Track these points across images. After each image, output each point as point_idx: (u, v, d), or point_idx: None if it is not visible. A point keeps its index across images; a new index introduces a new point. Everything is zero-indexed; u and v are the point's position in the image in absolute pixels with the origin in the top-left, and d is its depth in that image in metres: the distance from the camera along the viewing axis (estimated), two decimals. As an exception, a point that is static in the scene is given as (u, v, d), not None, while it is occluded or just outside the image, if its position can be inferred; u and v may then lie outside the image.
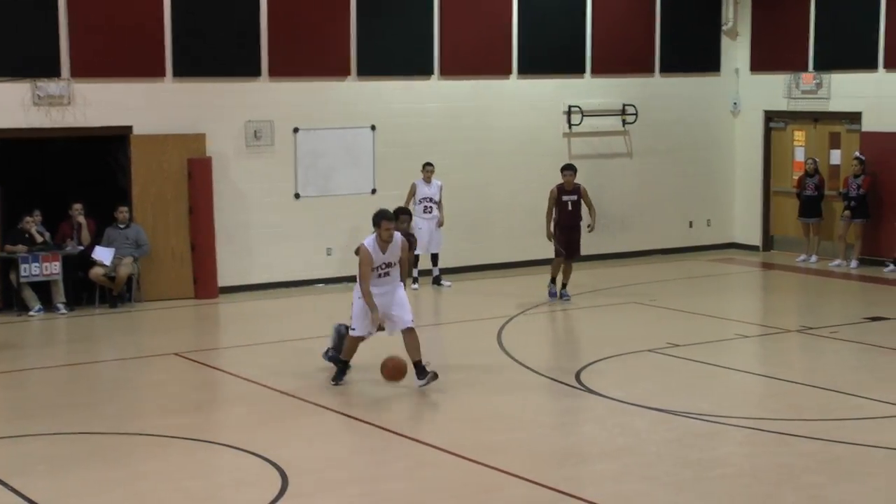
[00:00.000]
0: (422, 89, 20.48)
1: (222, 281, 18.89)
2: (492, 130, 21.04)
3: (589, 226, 18.12)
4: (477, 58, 20.79)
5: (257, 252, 19.28)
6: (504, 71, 21.12)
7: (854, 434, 10.96)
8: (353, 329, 12.85)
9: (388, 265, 12.82)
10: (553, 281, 18.21)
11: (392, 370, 12.66)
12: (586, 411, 12.27)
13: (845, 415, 11.71)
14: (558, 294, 18.09)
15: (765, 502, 9.38)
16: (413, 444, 11.03)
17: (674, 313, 17.02)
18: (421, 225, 19.12)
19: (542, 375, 13.54)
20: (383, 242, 12.72)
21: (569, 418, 11.96)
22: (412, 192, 19.28)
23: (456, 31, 20.53)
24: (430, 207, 19.31)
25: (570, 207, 17.95)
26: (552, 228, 17.95)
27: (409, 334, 12.81)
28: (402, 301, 12.85)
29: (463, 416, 12.06)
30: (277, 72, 19.25)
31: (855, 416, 11.63)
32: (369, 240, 12.79)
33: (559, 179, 21.64)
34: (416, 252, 19.31)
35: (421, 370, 12.76)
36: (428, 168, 19.32)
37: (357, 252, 12.83)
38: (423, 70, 20.44)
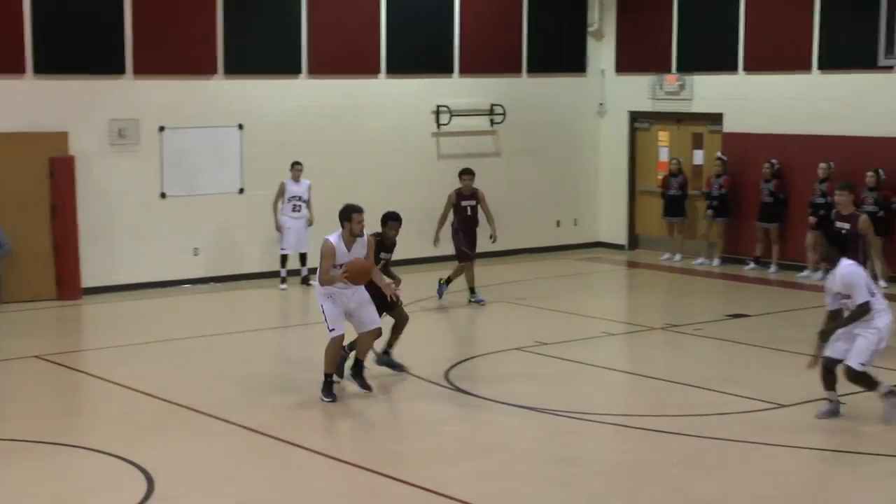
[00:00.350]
0: (290, 88, 20.32)
1: (86, 282, 18.51)
2: (360, 130, 20.97)
3: (491, 236, 17.93)
4: (346, 57, 20.70)
5: (122, 252, 18.94)
6: (373, 70, 21.06)
7: (715, 429, 11.15)
8: (332, 329, 12.28)
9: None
10: (449, 281, 17.93)
11: (356, 272, 12.17)
12: (455, 410, 12.27)
13: (707, 410, 11.89)
14: (469, 298, 17.71)
15: (630, 497, 9.51)
16: (284, 445, 10.91)
17: (541, 312, 17.15)
18: (290, 224, 19.00)
19: (411, 375, 13.52)
20: (351, 238, 12.32)
21: (437, 417, 11.94)
22: (281, 191, 19.10)
23: (324, 30, 20.41)
24: (299, 206, 19.15)
25: (468, 212, 17.75)
26: (453, 234, 17.78)
27: (373, 335, 12.60)
28: (368, 300, 12.44)
29: (330, 416, 11.99)
30: (143, 69, 18.93)
31: (716, 412, 11.82)
32: (335, 235, 12.37)
33: (429, 178, 21.76)
34: (299, 252, 19.25)
35: (359, 371, 12.62)
36: (297, 167, 19.17)
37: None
38: (292, 69, 20.29)
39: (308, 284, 19.21)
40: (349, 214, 12.45)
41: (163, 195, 19.31)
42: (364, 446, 10.84)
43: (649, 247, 23.08)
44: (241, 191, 19.84)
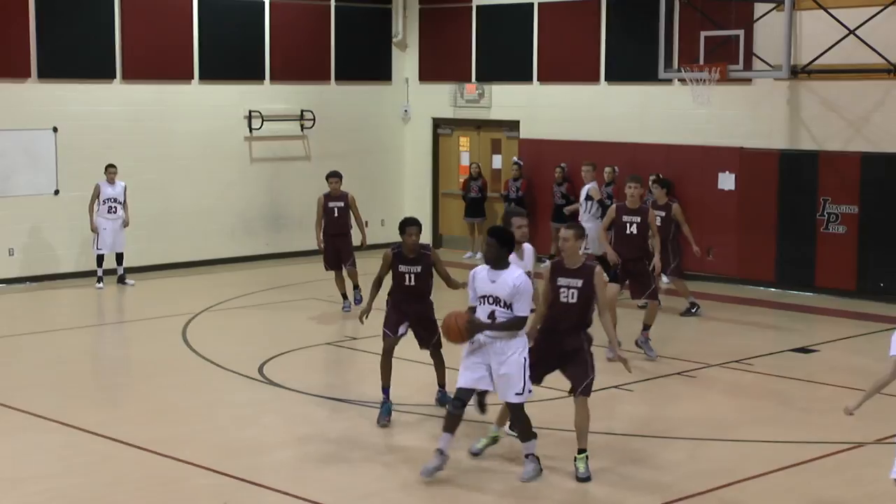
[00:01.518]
0: (104, 92, 19.88)
1: None
2: (174, 134, 20.65)
3: (361, 242, 17.15)
4: (159, 63, 20.37)
5: (-66, 253, 18.27)
6: (186, 76, 20.76)
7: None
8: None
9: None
10: (345, 296, 16.94)
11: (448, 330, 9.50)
12: (268, 402, 12.23)
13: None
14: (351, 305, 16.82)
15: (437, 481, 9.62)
16: (96, 438, 10.71)
17: (355, 308, 17.19)
18: (105, 225, 18.59)
19: (226, 369, 13.41)
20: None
21: (251, 410, 11.87)
22: (96, 194, 18.64)
23: (138, 35, 20.03)
24: (115, 208, 18.74)
25: (336, 214, 16.81)
26: (320, 236, 16.83)
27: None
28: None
29: (147, 411, 11.81)
30: (-46, 72, 18.30)
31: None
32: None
33: (241, 181, 21.55)
34: (115, 252, 18.78)
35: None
36: (111, 170, 18.73)
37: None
38: (106, 73, 19.85)
39: (123, 283, 18.84)
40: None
41: (-25, 197, 18.70)
42: (177, 439, 10.67)
43: (452, 246, 23.34)
44: (57, 192, 19.32)
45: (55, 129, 19.35)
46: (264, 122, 21.58)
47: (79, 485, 9.54)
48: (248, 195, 21.66)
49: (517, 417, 9.54)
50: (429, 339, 11.31)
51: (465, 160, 23.13)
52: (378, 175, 23.60)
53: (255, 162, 21.74)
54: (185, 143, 20.76)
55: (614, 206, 14.66)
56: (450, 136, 23.60)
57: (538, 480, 9.53)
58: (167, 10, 20.42)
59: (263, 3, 21.54)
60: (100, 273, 18.60)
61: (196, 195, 20.94)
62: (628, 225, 14.07)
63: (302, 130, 22.31)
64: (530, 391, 9.42)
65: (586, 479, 9.51)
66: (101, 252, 18.68)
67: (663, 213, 16.02)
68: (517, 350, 9.37)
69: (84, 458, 10.25)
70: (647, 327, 14.05)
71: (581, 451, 9.63)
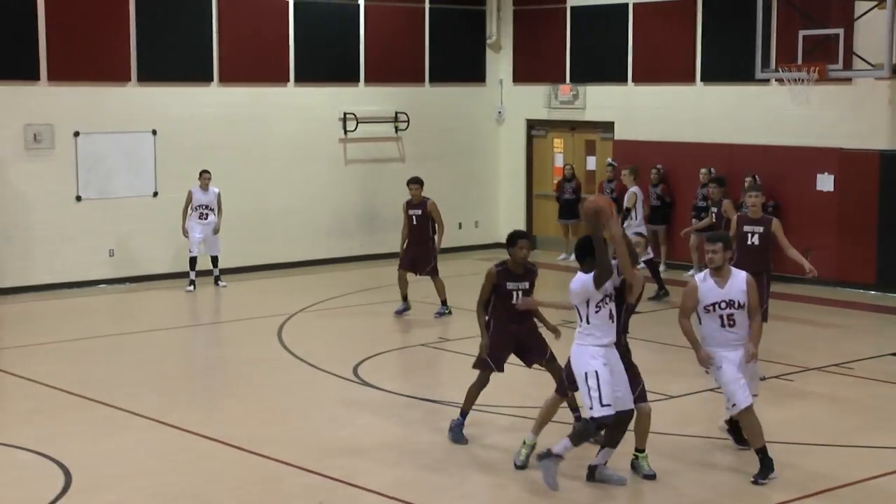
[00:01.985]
0: (202, 95, 20.14)
1: (3, 282, 18.19)
2: (270, 136, 20.84)
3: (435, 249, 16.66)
4: (255, 66, 20.58)
5: (39, 253, 18.62)
6: (281, 79, 20.96)
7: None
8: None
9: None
10: (405, 298, 16.72)
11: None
12: (363, 403, 12.26)
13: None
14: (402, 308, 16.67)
15: (522, 483, 9.57)
16: (195, 437, 10.83)
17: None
18: (197, 230, 18.74)
19: (321, 370, 13.49)
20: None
21: (346, 410, 11.92)
22: (189, 200, 18.81)
23: (234, 39, 20.26)
24: (206, 214, 18.84)
25: (414, 222, 16.45)
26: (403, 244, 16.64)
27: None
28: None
29: (243, 411, 11.92)
30: (57, 76, 18.63)
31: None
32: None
33: (337, 182, 21.72)
34: (210, 255, 18.93)
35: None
36: (205, 176, 18.88)
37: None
38: (203, 76, 20.11)
39: (218, 285, 19.04)
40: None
41: (78, 198, 19.02)
42: (273, 439, 10.76)
43: (546, 247, 23.24)
44: (155, 194, 19.61)
45: (154, 132, 19.65)
46: (359, 124, 21.69)
47: (177, 482, 9.65)
48: (343, 196, 21.79)
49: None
50: (541, 355, 10.61)
51: (559, 161, 23.03)
52: (472, 177, 23.60)
53: (350, 163, 21.87)
54: (281, 146, 20.94)
55: (736, 216, 13.91)
56: (544, 137, 23.52)
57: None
58: (263, 14, 20.62)
59: (358, 5, 21.65)
60: (192, 276, 18.77)
61: (291, 197, 21.11)
62: (749, 236, 13.31)
63: (396, 132, 22.38)
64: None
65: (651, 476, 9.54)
66: (193, 255, 18.88)
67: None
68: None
69: (183, 456, 10.36)
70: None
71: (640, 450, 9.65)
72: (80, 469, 9.75)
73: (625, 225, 17.76)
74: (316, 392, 12.75)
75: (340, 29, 21.54)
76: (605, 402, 9.09)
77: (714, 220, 16.64)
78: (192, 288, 18.62)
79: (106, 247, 19.28)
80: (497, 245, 23.88)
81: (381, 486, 9.43)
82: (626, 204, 18.16)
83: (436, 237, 16.56)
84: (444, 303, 16.62)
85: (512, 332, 10.53)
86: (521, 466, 9.81)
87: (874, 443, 10.65)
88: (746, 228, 13.31)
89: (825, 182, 18.82)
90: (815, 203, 18.95)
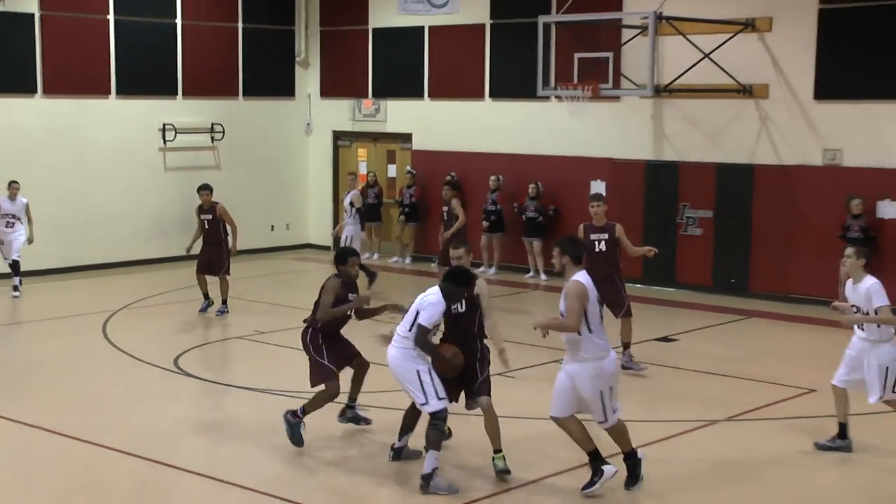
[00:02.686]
0: (24, 106, 19.56)
1: None
2: (93, 145, 20.38)
3: (232, 249, 16.48)
4: (77, 79, 20.11)
5: None
6: (103, 91, 20.53)
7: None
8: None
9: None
10: (206, 296, 16.51)
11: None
12: (183, 392, 12.20)
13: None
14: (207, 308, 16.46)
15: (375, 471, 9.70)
16: (19, 426, 10.59)
17: (259, 305, 17.17)
18: (2, 238, 17.79)
19: (144, 361, 13.34)
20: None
21: (167, 399, 11.83)
22: None
23: (57, 54, 19.75)
24: (12, 223, 17.73)
25: (206, 226, 16.34)
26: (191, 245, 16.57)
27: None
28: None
29: (67, 400, 11.69)
30: None
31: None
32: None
33: (157, 189, 21.40)
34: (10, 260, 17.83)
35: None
36: (13, 185, 17.84)
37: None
38: (26, 88, 19.54)
39: (14, 293, 17.91)
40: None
41: None
42: (97, 426, 10.60)
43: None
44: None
45: (-21, 141, 19.02)
46: (177, 134, 21.42)
47: (3, 471, 9.47)
48: (163, 202, 21.47)
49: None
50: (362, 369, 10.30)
51: (363, 169, 23.19)
52: (284, 183, 23.58)
53: (169, 171, 21.57)
54: (103, 154, 20.48)
55: (581, 225, 12.99)
56: (349, 147, 23.65)
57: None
58: (85, 30, 20.16)
59: (176, 24, 21.38)
60: (15, 282, 17.78)
61: (112, 201, 20.70)
62: (596, 243, 12.66)
63: (213, 142, 22.18)
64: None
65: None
66: (9, 260, 17.93)
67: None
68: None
69: (7, 447, 10.16)
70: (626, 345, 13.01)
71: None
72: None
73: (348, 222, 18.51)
74: (138, 382, 12.59)
75: (159, 45, 21.23)
76: (440, 396, 8.93)
77: (446, 219, 16.95)
78: (17, 293, 17.70)
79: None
80: (307, 246, 23.95)
81: (201, 468, 9.43)
82: (355, 203, 18.61)
83: (229, 239, 16.40)
84: (224, 302, 16.30)
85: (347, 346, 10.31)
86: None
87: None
88: (593, 237, 12.62)
89: (598, 187, 19.47)
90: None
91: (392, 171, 22.94)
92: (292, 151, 23.75)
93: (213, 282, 16.48)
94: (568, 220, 19.21)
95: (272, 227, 23.45)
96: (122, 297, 17.68)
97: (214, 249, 16.37)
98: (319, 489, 9.16)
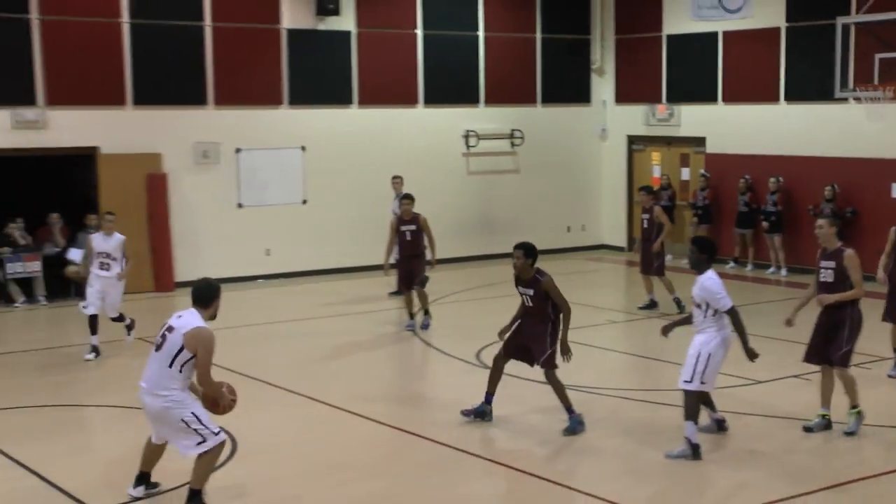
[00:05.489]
0: (343, 116, 20.52)
1: (178, 276, 18.76)
2: (401, 151, 21.10)
3: (431, 262, 15.20)
4: (388, 90, 20.89)
5: (206, 252, 19.16)
6: (411, 101, 21.23)
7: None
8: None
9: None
10: (412, 316, 15.28)
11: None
12: (481, 385, 12.36)
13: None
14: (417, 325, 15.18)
15: (629, 457, 9.61)
16: (336, 411, 11.06)
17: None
18: (96, 284, 13.93)
19: (448, 354, 13.62)
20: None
21: (467, 390, 12.04)
22: (89, 246, 14.03)
23: (370, 67, 20.59)
24: (108, 264, 13.82)
25: (408, 237, 15.08)
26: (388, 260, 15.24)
27: None
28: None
29: (374, 390, 12.09)
30: (222, 101, 19.18)
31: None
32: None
33: (460, 191, 21.86)
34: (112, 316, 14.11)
35: None
36: (108, 219, 14.10)
37: None
38: (344, 100, 20.48)
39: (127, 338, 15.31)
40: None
41: (239, 205, 19.54)
42: (405, 414, 10.94)
43: (643, 248, 23.12)
44: (304, 202, 20.04)
45: (303, 148, 20.08)
46: (479, 141, 21.88)
47: (321, 449, 9.90)
48: (465, 204, 21.98)
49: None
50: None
51: (656, 172, 22.91)
52: (579, 186, 23.61)
53: (471, 175, 22.05)
54: (411, 159, 21.12)
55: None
56: (643, 151, 23.41)
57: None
58: (396, 46, 20.92)
59: (478, 36, 21.83)
60: (93, 341, 13.82)
61: (420, 204, 21.21)
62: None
63: (512, 147, 22.50)
64: (702, 382, 9.37)
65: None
66: (90, 313, 13.95)
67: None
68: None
69: (327, 428, 10.64)
70: None
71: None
72: (243, 437, 10.04)
73: None
74: (442, 374, 12.90)
75: (462, 57, 21.73)
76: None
77: (646, 226, 16.44)
78: (92, 356, 13.66)
79: (263, 247, 19.76)
80: (602, 246, 23.88)
81: (498, 455, 9.52)
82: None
83: (427, 251, 15.09)
84: (426, 312, 15.29)
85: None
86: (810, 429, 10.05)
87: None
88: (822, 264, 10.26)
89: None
90: (891, 208, 18.53)
91: (685, 174, 22.52)
92: (587, 155, 23.74)
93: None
94: (865, 222, 18.25)
95: (568, 228, 23.53)
96: (428, 292, 18.14)
97: (415, 262, 15.08)
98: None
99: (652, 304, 16.50)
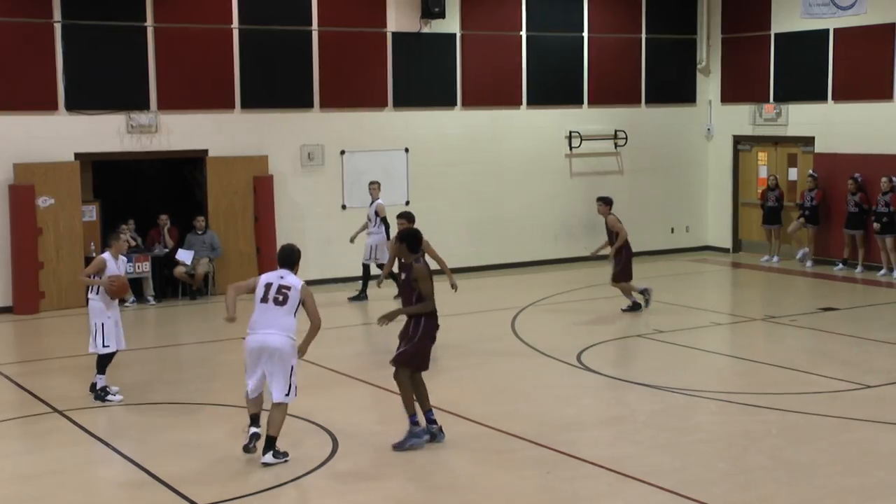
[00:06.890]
0: (446, 118, 20.47)
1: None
2: (505, 152, 21.00)
3: (452, 285, 14.19)
4: (492, 91, 20.78)
5: (311, 254, 19.14)
6: (515, 102, 21.09)
7: (807, 405, 10.90)
8: None
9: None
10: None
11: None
12: (585, 386, 12.22)
13: (801, 389, 11.64)
14: None
15: (734, 461, 9.35)
16: (437, 413, 10.97)
17: (659, 304, 16.89)
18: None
19: (548, 356, 13.49)
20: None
21: (570, 392, 11.90)
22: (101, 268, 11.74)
23: (474, 69, 20.51)
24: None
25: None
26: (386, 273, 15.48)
27: None
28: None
29: (480, 390, 12.02)
30: (327, 104, 19.29)
31: (808, 391, 11.56)
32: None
33: (563, 193, 21.66)
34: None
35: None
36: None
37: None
38: (448, 102, 20.44)
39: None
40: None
41: (343, 207, 19.62)
42: (507, 415, 10.80)
43: (750, 250, 22.65)
44: (407, 202, 20.03)
45: (407, 150, 20.09)
46: (582, 141, 21.62)
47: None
48: (568, 205, 21.76)
49: None
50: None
51: (763, 173, 22.37)
52: (684, 186, 23.19)
53: (575, 176, 21.81)
54: (514, 161, 21.06)
55: None
56: (749, 151, 22.88)
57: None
58: (500, 48, 20.79)
59: (582, 37, 21.58)
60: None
61: (524, 205, 21.21)
62: None
63: (615, 148, 22.20)
64: None
65: None
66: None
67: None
68: None
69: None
70: None
71: None
72: (344, 436, 10.03)
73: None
74: (543, 375, 12.75)
75: (566, 58, 21.50)
76: None
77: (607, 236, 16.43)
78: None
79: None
80: (707, 248, 23.42)
81: (602, 460, 9.37)
82: (380, 213, 17.46)
83: (443, 270, 14.10)
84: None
85: None
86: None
87: None
88: None
89: None
90: None
91: (793, 174, 21.92)
92: (693, 156, 23.30)
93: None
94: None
95: (672, 229, 23.13)
96: (530, 294, 18.04)
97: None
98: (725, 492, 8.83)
99: (635, 307, 16.21)
